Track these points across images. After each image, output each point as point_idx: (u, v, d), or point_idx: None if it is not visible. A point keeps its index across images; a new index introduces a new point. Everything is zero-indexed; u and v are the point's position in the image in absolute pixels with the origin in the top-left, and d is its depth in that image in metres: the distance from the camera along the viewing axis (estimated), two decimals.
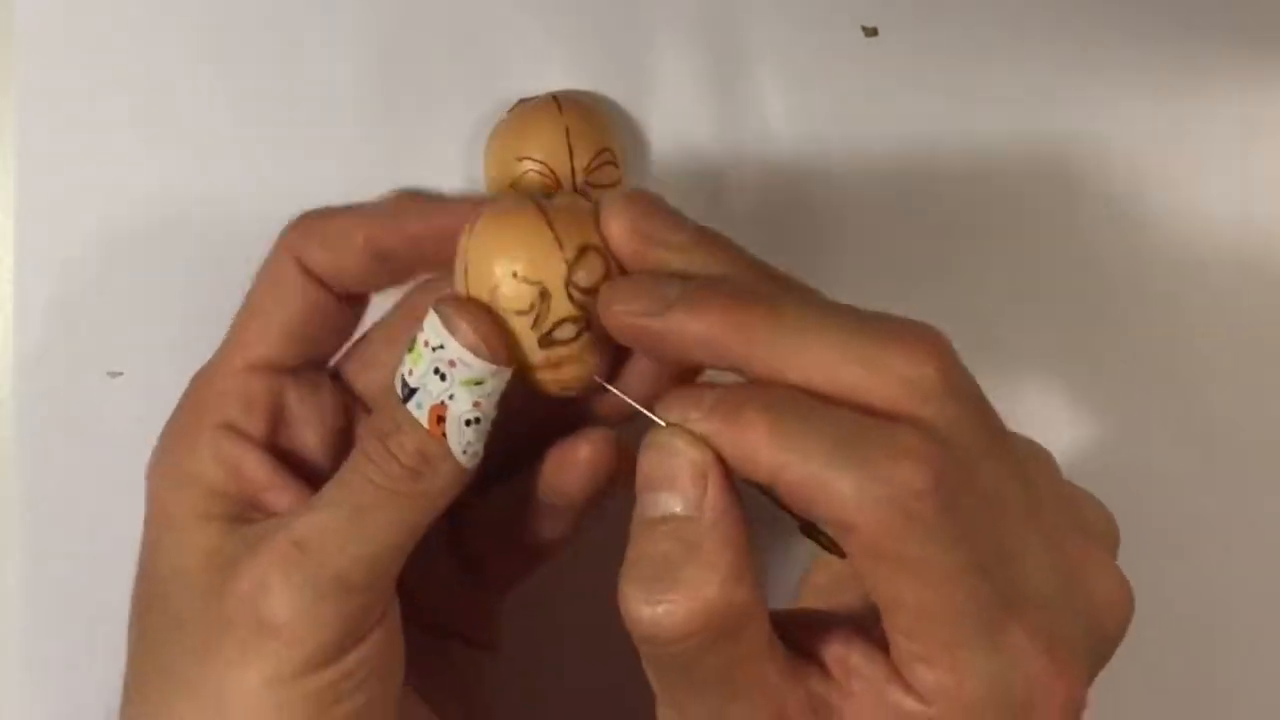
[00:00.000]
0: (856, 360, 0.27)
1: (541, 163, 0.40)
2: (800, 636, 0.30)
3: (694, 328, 0.28)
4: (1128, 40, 0.45)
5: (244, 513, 0.32)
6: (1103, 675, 0.30)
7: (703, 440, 0.28)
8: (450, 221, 0.32)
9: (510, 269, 0.31)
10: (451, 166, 0.42)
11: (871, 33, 0.44)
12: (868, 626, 0.29)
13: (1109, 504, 0.33)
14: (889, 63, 0.44)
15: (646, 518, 0.29)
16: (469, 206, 0.32)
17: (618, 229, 0.31)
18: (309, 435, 0.34)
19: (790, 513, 0.29)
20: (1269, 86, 0.46)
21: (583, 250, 0.31)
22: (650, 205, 0.31)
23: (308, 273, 0.33)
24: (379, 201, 0.34)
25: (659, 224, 0.31)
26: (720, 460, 0.28)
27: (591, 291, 0.31)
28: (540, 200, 0.32)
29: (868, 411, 0.27)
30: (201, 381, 0.34)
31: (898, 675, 0.28)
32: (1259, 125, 0.46)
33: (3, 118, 0.41)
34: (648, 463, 0.29)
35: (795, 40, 0.43)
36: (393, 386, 0.31)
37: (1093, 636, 0.29)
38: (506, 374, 0.31)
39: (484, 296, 0.31)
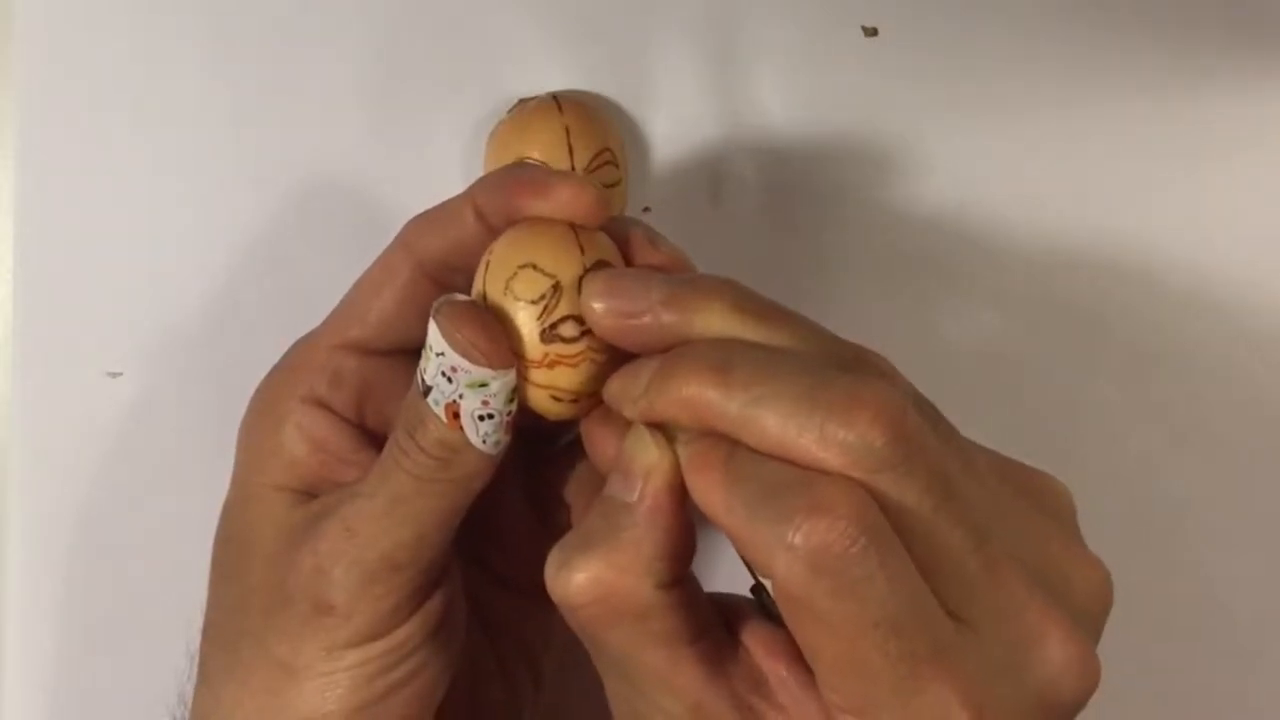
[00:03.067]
0: (801, 431, 0.28)
1: (541, 162, 0.40)
2: (739, 626, 0.31)
3: (662, 406, 0.30)
4: (1128, 39, 0.45)
5: (320, 486, 0.34)
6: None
7: (670, 451, 0.30)
8: (547, 183, 0.33)
9: (530, 261, 0.32)
10: (453, 166, 0.42)
11: (871, 33, 0.44)
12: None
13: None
14: (889, 62, 0.44)
15: (601, 495, 0.31)
16: (561, 175, 0.34)
17: (597, 313, 0.32)
18: (393, 415, 0.34)
19: (747, 567, 0.30)
20: (1269, 87, 0.46)
21: (601, 263, 0.32)
22: (615, 282, 0.32)
23: (418, 263, 0.34)
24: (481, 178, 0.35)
25: (630, 297, 0.32)
26: (678, 474, 0.30)
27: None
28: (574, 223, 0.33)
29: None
30: (296, 354, 0.35)
31: (824, 709, 0.29)
32: (1259, 125, 0.46)
33: (3, 117, 0.41)
34: (623, 446, 0.31)
35: (795, 40, 0.43)
36: (416, 382, 0.32)
37: (1042, 707, 0.29)
38: (510, 374, 0.32)
39: (498, 288, 0.32)
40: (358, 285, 0.36)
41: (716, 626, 0.31)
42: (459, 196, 0.34)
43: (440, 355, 0.31)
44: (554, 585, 0.30)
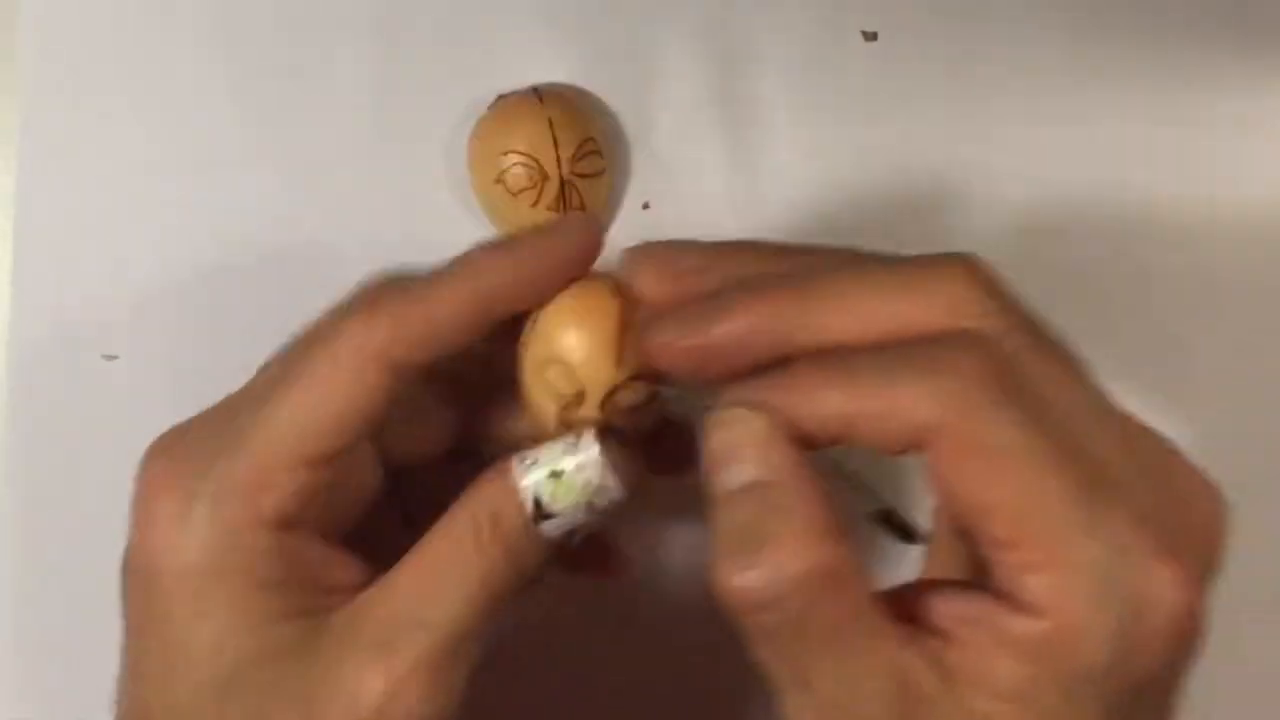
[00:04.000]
0: (897, 296, 0.27)
1: (526, 155, 0.41)
2: (902, 607, 0.28)
3: (736, 328, 0.29)
4: (1128, 41, 0.45)
5: (301, 599, 0.32)
6: None
7: (761, 407, 0.28)
8: (543, 264, 0.32)
9: (566, 358, 0.32)
10: (445, 163, 0.43)
11: (871, 37, 0.44)
12: (967, 586, 0.28)
13: None
14: (889, 67, 0.44)
15: (723, 492, 0.28)
16: (549, 240, 0.33)
17: (646, 277, 0.31)
18: (351, 501, 0.34)
19: (866, 491, 0.29)
20: (1270, 86, 0.45)
21: (636, 377, 0.32)
22: (659, 246, 0.32)
23: (392, 368, 0.31)
24: (461, 264, 0.32)
25: (675, 256, 0.31)
26: (783, 425, 0.28)
27: (624, 412, 0.33)
28: (625, 310, 0.32)
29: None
30: (247, 470, 0.31)
31: (1005, 602, 0.27)
32: (1260, 125, 0.45)
33: (5, 104, 0.42)
34: (713, 441, 0.29)
35: (795, 45, 0.44)
36: (520, 505, 0.32)
37: (1196, 541, 0.27)
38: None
39: (536, 364, 0.33)
40: (310, 393, 0.31)
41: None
42: (444, 301, 0.31)
43: (588, 487, 0.32)
44: (741, 590, 0.27)
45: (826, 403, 0.27)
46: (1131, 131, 0.45)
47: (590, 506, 0.32)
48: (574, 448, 0.32)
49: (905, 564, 0.34)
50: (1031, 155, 0.44)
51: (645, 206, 0.44)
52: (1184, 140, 0.45)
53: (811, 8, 0.44)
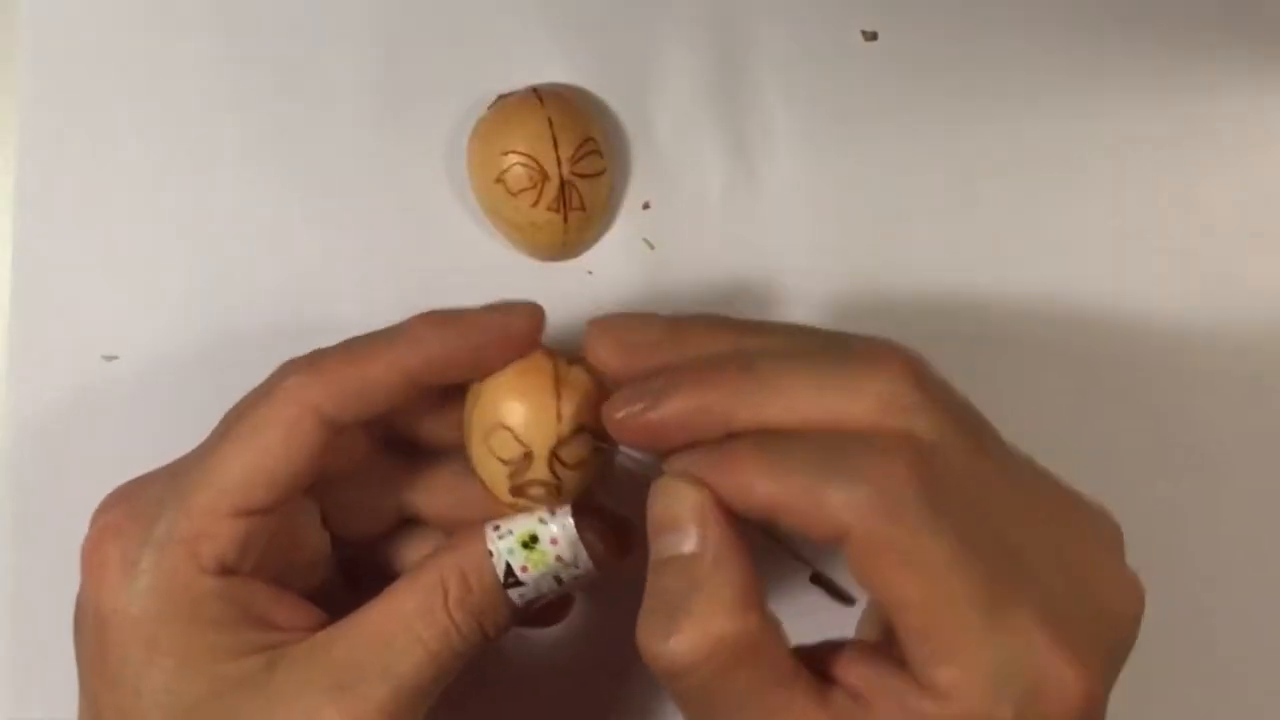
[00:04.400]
0: (833, 389, 0.29)
1: (526, 155, 0.41)
2: (823, 665, 0.31)
3: (682, 408, 0.30)
4: (1127, 43, 0.45)
5: (252, 636, 0.33)
6: None
7: (701, 482, 0.30)
8: (477, 339, 0.34)
9: (507, 424, 0.33)
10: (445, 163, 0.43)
11: (871, 37, 0.45)
12: (886, 650, 0.30)
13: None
14: (888, 67, 0.44)
15: (657, 560, 0.31)
16: (488, 317, 0.34)
17: (603, 354, 0.33)
18: (300, 563, 0.36)
19: (798, 558, 0.31)
20: (1270, 86, 0.45)
21: (579, 430, 0.34)
22: (619, 320, 0.33)
23: (328, 424, 0.33)
24: (399, 331, 0.34)
25: (632, 331, 0.33)
26: (719, 500, 0.30)
27: (573, 467, 0.34)
28: (559, 368, 0.34)
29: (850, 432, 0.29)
30: (186, 521, 0.33)
31: (915, 682, 0.29)
32: (1260, 125, 0.45)
33: (6, 105, 0.42)
34: (654, 508, 0.31)
35: (795, 44, 0.44)
36: (491, 569, 0.33)
37: (1105, 635, 0.29)
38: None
39: (479, 435, 0.34)
40: (247, 446, 0.33)
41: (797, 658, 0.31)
42: (379, 362, 0.33)
43: (569, 566, 0.33)
44: (662, 656, 0.29)
45: (756, 490, 0.29)
46: (1132, 131, 0.45)
47: (558, 579, 0.34)
48: (549, 520, 0.33)
49: None
50: (1029, 155, 0.44)
51: (645, 206, 0.44)
52: (1185, 140, 0.45)
53: (811, 8, 0.44)
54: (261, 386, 0.34)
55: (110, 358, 0.42)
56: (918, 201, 0.44)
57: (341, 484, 0.36)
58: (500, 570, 0.33)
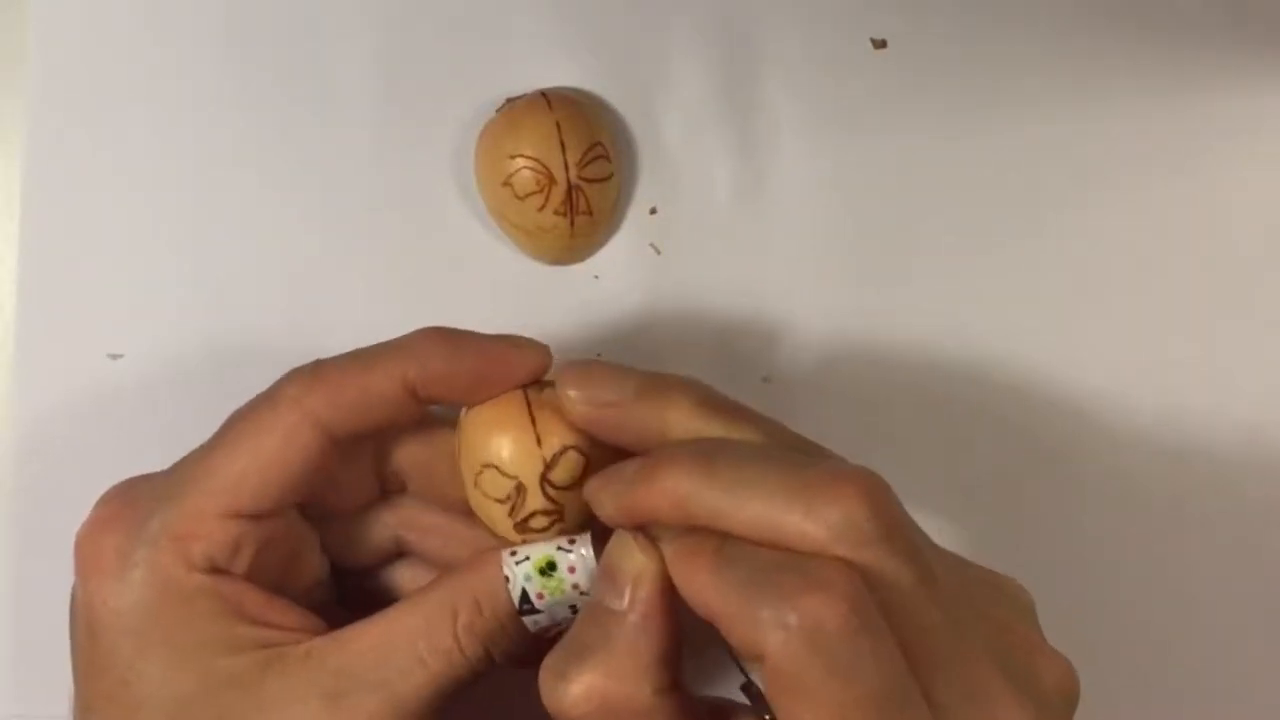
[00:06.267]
0: (789, 509, 0.29)
1: (533, 159, 0.41)
2: None
3: (645, 498, 0.31)
4: (1137, 51, 0.45)
5: (246, 633, 0.33)
6: None
7: (653, 551, 0.30)
8: (480, 362, 0.34)
9: (491, 463, 0.34)
10: (452, 166, 0.43)
11: (880, 45, 0.44)
12: None
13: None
14: (897, 74, 0.44)
15: (590, 604, 0.32)
16: (494, 343, 0.34)
17: (573, 406, 0.33)
18: (289, 567, 0.36)
19: (735, 662, 0.31)
20: (1270, 86, 0.45)
21: (562, 450, 0.34)
22: (591, 375, 0.33)
23: (326, 434, 0.33)
24: (401, 342, 0.34)
25: (601, 387, 0.33)
26: (665, 575, 0.30)
27: (567, 488, 0.34)
28: (530, 395, 0.34)
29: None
30: (177, 520, 0.33)
31: None
32: (1262, 126, 0.45)
33: (12, 103, 0.42)
34: (606, 556, 0.31)
35: (804, 52, 0.44)
36: (506, 595, 0.33)
37: None
38: None
39: (470, 479, 0.34)
40: (244, 449, 0.33)
41: None
42: (380, 371, 0.34)
43: (584, 595, 0.33)
44: (550, 697, 0.30)
45: (694, 585, 0.29)
46: (1140, 137, 0.45)
47: (574, 609, 0.33)
48: (569, 548, 0.33)
49: None
50: (1039, 162, 0.44)
51: (653, 211, 0.44)
52: (1191, 144, 0.45)
53: (821, 15, 0.44)
54: (264, 393, 0.34)
55: (115, 356, 0.42)
56: (925, 208, 0.44)
57: (342, 517, 0.37)
58: (515, 596, 0.33)
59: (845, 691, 0.27)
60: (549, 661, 0.30)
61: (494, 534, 0.35)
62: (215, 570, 0.33)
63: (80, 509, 0.34)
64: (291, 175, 0.42)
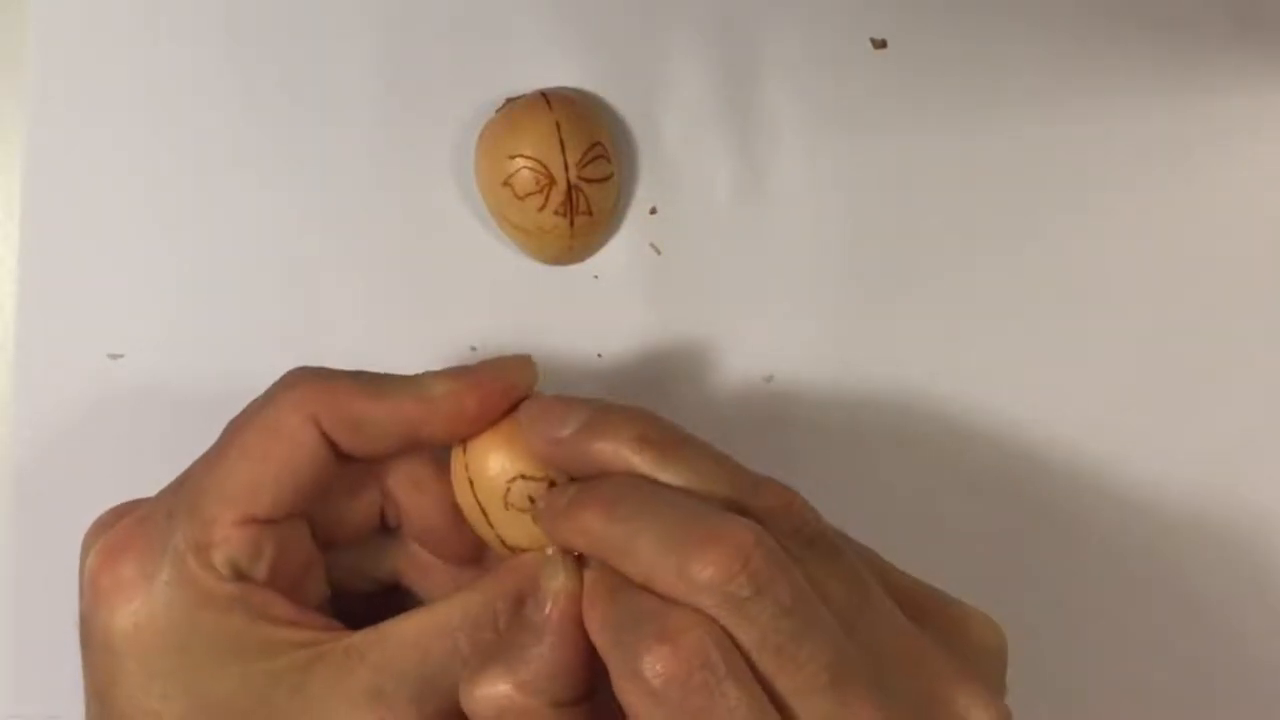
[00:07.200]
0: (665, 561, 0.30)
1: (533, 159, 0.41)
2: None
3: (565, 532, 0.32)
4: (1139, 52, 0.45)
5: (280, 635, 0.33)
6: None
7: (578, 574, 0.32)
8: (480, 402, 0.34)
9: (522, 472, 0.34)
10: (452, 166, 0.43)
11: (880, 45, 0.44)
12: None
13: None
14: (898, 75, 0.44)
15: (518, 615, 0.32)
16: (492, 371, 0.35)
17: (528, 441, 0.34)
18: (291, 565, 0.35)
19: None
20: (1270, 86, 0.45)
21: (513, 480, 0.34)
22: (544, 411, 0.34)
23: (327, 440, 0.34)
24: (406, 383, 0.35)
25: (553, 428, 0.33)
26: (580, 596, 0.31)
27: (522, 510, 0.34)
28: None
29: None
30: (192, 528, 0.33)
31: None
32: (1261, 126, 0.45)
33: (12, 102, 0.42)
34: (541, 571, 0.32)
35: (804, 51, 0.44)
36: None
37: None
38: None
39: (496, 502, 0.35)
40: (253, 454, 0.33)
41: None
42: (380, 405, 0.34)
43: None
44: (464, 699, 0.31)
45: (588, 619, 0.31)
46: (1141, 138, 0.45)
47: None
48: None
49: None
50: (1039, 162, 0.44)
51: (653, 211, 0.44)
52: (1193, 146, 0.45)
53: (821, 15, 0.44)
54: (265, 395, 0.34)
55: (115, 356, 0.42)
56: (925, 209, 0.44)
57: (344, 545, 0.37)
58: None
59: None
60: (468, 667, 0.32)
61: (520, 549, 0.35)
62: (240, 577, 0.33)
63: (80, 509, 0.35)
64: (291, 175, 0.42)
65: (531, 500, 0.34)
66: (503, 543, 0.35)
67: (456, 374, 0.35)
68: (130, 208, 0.42)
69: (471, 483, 0.35)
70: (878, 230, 0.44)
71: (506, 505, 0.34)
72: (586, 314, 0.43)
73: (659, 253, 0.44)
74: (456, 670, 0.32)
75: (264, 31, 0.43)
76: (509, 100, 0.42)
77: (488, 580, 0.34)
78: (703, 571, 0.29)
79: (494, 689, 0.31)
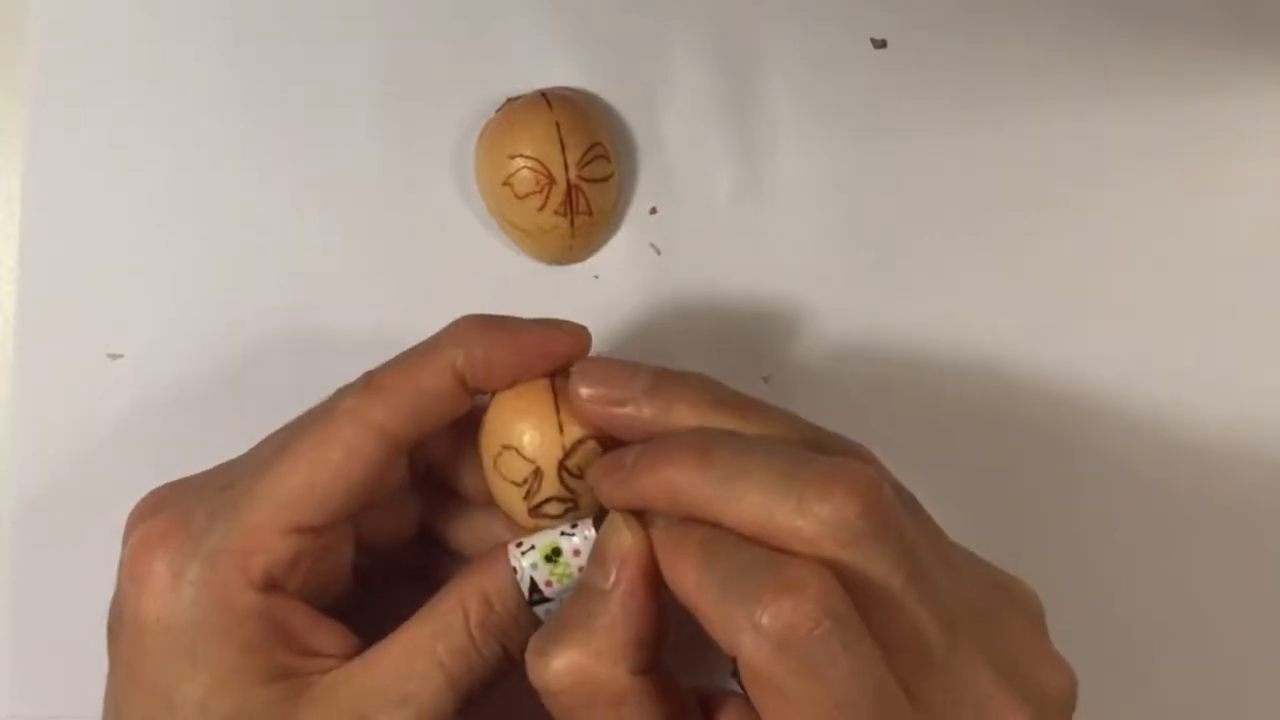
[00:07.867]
0: (782, 504, 0.29)
1: (533, 159, 0.41)
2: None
3: (648, 488, 0.31)
4: (1137, 52, 0.45)
5: (284, 660, 0.33)
6: None
7: (642, 533, 0.31)
8: (523, 345, 0.34)
9: (512, 444, 0.34)
10: (452, 165, 0.43)
11: (880, 44, 0.44)
12: None
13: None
14: (897, 75, 0.44)
15: (581, 582, 0.32)
16: (536, 327, 0.35)
17: (583, 399, 0.33)
18: (333, 577, 0.36)
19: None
20: (1270, 86, 0.45)
21: (582, 439, 0.34)
22: (603, 371, 0.33)
23: (392, 442, 0.33)
24: (442, 335, 0.34)
25: (614, 388, 0.33)
26: (651, 557, 0.31)
27: (583, 477, 0.34)
28: (557, 383, 0.34)
29: (790, 551, 0.29)
30: (238, 533, 0.33)
31: None
32: (1261, 126, 0.45)
33: (13, 102, 0.42)
34: (599, 535, 0.32)
35: (804, 51, 0.44)
36: (515, 587, 0.33)
37: None
38: None
39: (489, 461, 0.35)
40: (305, 462, 0.33)
41: (693, 713, 0.31)
42: (430, 368, 0.34)
43: (581, 572, 0.33)
44: (533, 671, 0.30)
45: (677, 576, 0.30)
46: (1140, 136, 0.45)
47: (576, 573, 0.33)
48: (572, 532, 0.33)
49: None
50: (1038, 162, 0.44)
51: (652, 211, 0.44)
52: (1195, 146, 0.45)
53: (821, 15, 0.44)
54: (319, 407, 0.34)
55: (115, 356, 0.42)
56: (925, 208, 0.44)
57: (375, 509, 0.36)
58: (525, 587, 0.33)
59: (817, 693, 0.27)
60: (534, 639, 0.31)
61: (509, 518, 0.35)
62: (271, 587, 0.33)
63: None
64: (291, 175, 0.43)
65: (516, 483, 0.34)
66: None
67: (493, 323, 0.34)
68: (130, 207, 0.42)
69: (483, 430, 0.35)
70: (877, 230, 0.44)
71: (494, 466, 0.34)
72: (586, 314, 0.43)
73: (659, 253, 0.44)
74: (437, 679, 0.32)
75: (264, 31, 0.43)
76: (509, 100, 0.42)
77: (454, 584, 0.34)
78: (829, 509, 0.28)
79: (568, 660, 0.30)
